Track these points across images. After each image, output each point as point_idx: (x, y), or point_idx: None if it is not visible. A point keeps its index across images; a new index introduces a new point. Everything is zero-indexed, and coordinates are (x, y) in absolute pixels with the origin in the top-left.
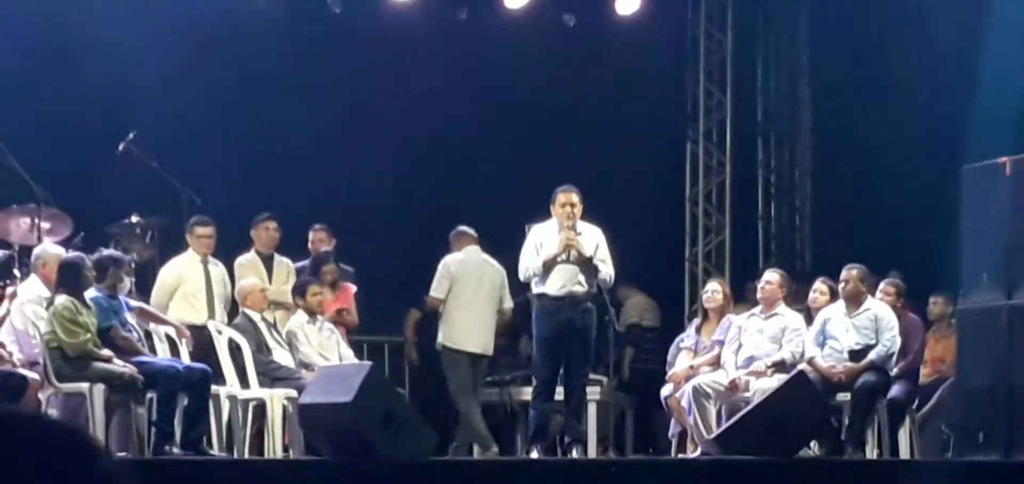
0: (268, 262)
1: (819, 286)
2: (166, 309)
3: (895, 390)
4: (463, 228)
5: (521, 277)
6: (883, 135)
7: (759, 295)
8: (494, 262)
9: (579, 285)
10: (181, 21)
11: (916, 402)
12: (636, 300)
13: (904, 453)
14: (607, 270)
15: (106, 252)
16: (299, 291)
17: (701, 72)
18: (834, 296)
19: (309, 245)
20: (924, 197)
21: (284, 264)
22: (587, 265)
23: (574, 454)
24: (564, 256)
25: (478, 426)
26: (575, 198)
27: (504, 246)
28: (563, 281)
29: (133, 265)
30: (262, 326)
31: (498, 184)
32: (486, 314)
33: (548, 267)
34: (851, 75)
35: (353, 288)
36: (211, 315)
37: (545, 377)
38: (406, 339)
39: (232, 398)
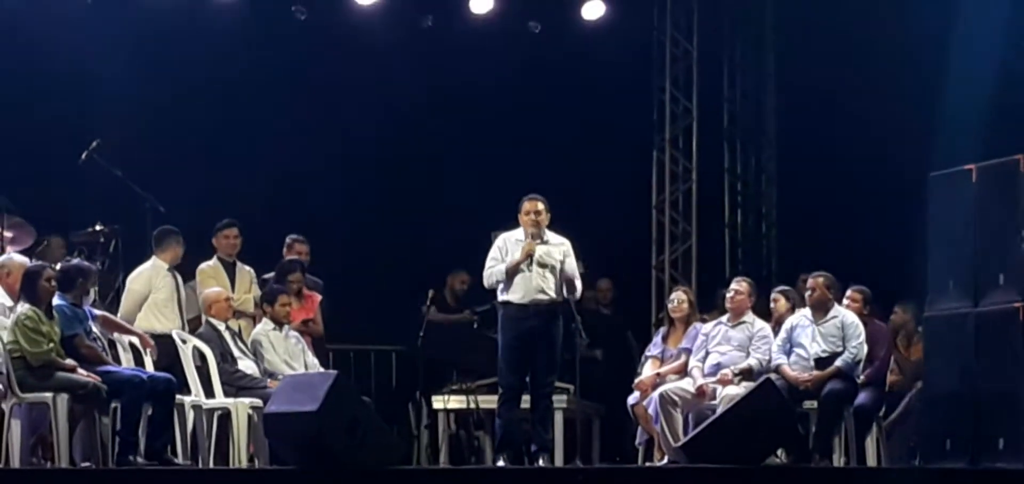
0: (231, 269)
1: (775, 294)
2: (135, 318)
3: (862, 397)
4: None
5: (486, 283)
6: (849, 142)
7: (727, 304)
8: None
9: (543, 293)
10: (144, 28)
11: (883, 409)
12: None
13: (871, 461)
14: (574, 280)
15: (73, 262)
16: (268, 299)
17: (667, 79)
18: (792, 304)
19: (284, 254)
20: (891, 204)
21: (247, 272)
22: (553, 273)
23: (541, 462)
24: (527, 263)
25: None
26: (541, 206)
27: (471, 253)
28: (527, 289)
29: (97, 274)
30: (226, 335)
31: (464, 191)
32: None
33: (511, 274)
34: (817, 81)
35: (318, 297)
36: (182, 325)
37: (511, 385)
38: None
39: (197, 407)
